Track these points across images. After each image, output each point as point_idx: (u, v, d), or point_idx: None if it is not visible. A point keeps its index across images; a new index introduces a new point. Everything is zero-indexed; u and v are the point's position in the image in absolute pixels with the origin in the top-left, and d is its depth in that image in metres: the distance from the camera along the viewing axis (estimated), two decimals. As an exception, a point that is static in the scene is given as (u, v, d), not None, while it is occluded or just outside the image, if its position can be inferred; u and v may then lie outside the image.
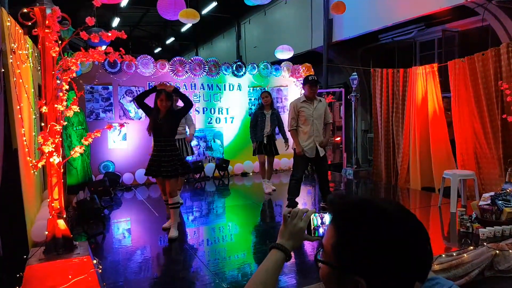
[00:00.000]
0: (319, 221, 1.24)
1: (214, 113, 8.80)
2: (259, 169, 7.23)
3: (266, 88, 9.11)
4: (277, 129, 6.95)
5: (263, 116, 6.84)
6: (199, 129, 8.54)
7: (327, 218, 1.23)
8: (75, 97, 3.77)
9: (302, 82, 5.65)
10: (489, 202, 4.56)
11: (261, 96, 7.00)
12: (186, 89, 8.44)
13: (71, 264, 3.49)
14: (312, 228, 1.24)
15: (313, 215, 1.24)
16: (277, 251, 1.20)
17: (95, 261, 3.60)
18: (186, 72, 8.35)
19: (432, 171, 6.91)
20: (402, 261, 0.87)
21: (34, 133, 4.61)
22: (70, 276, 3.18)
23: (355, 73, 8.48)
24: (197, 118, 8.57)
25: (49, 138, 3.53)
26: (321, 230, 1.23)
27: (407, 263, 0.87)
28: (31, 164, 3.72)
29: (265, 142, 6.79)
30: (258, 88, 9.19)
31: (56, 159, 3.61)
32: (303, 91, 5.66)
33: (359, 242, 0.89)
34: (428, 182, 7.00)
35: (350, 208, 0.96)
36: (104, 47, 3.84)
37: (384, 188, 7.56)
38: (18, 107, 3.75)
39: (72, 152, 3.87)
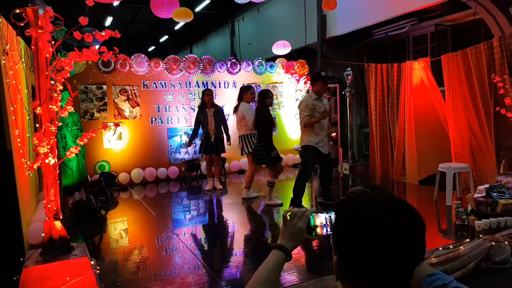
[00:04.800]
0: (317, 221, 1.24)
1: (209, 111, 8.77)
2: (206, 168, 7.47)
3: (261, 86, 9.14)
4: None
5: (205, 115, 7.00)
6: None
7: (324, 217, 1.24)
8: (69, 98, 3.76)
9: (311, 78, 5.70)
10: (484, 194, 4.59)
11: (203, 94, 7.11)
12: (181, 87, 8.43)
13: (68, 266, 3.48)
14: (311, 227, 1.24)
15: (311, 214, 1.25)
16: (277, 251, 1.22)
17: (92, 262, 3.59)
18: (181, 70, 8.32)
19: (428, 164, 6.93)
20: (389, 256, 0.90)
21: (28, 134, 4.59)
22: (68, 278, 3.17)
23: (349, 68, 8.49)
24: (193, 116, 8.56)
25: (44, 139, 3.52)
26: (318, 230, 1.24)
27: (395, 259, 0.91)
28: (26, 166, 3.70)
29: (212, 140, 6.97)
30: (253, 85, 9.18)
31: (51, 160, 3.60)
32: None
33: (345, 238, 0.97)
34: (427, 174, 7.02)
35: (341, 206, 1.02)
36: (97, 47, 3.82)
37: (380, 183, 7.57)
38: (12, 108, 3.73)
39: (67, 153, 3.85)
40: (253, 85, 9.15)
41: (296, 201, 5.43)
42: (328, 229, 1.23)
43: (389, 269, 0.91)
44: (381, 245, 0.90)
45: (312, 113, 5.44)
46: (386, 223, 0.91)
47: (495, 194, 4.52)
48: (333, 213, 1.18)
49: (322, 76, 5.54)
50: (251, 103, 6.53)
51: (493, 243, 3.81)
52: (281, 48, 9.23)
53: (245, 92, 6.49)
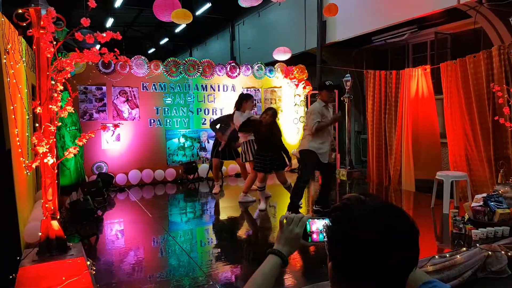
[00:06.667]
0: (313, 227, 1.25)
1: (208, 114, 8.79)
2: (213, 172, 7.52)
3: (260, 90, 9.17)
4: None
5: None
6: (193, 129, 8.58)
7: (320, 223, 1.24)
8: (69, 98, 3.76)
9: (318, 86, 5.69)
10: (481, 203, 4.60)
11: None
12: (180, 90, 8.44)
13: (64, 266, 3.47)
14: (307, 233, 1.25)
15: (307, 220, 1.25)
16: (274, 256, 1.22)
17: (88, 263, 3.59)
18: (180, 73, 8.34)
19: (425, 172, 6.95)
20: (380, 261, 0.91)
21: (27, 134, 4.58)
22: (63, 278, 3.16)
23: (348, 74, 8.51)
24: (191, 119, 8.59)
25: (44, 138, 3.52)
26: (314, 236, 1.24)
27: (387, 263, 0.91)
28: (24, 165, 3.70)
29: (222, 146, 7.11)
30: (252, 89, 9.20)
31: (50, 160, 3.60)
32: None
33: (339, 243, 0.97)
34: (422, 182, 7.04)
35: (335, 211, 1.02)
36: (98, 47, 3.83)
37: (376, 190, 7.57)
38: (12, 107, 3.72)
39: (66, 153, 3.85)
40: (252, 89, 9.19)
41: (293, 206, 5.41)
42: (324, 236, 1.23)
43: (383, 274, 0.91)
44: (374, 250, 0.90)
45: (321, 119, 5.42)
46: (379, 228, 0.92)
47: (492, 203, 4.53)
48: (328, 219, 1.19)
49: (326, 85, 5.54)
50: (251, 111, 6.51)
51: (490, 252, 3.82)
52: (281, 53, 9.26)
53: (246, 100, 6.37)
